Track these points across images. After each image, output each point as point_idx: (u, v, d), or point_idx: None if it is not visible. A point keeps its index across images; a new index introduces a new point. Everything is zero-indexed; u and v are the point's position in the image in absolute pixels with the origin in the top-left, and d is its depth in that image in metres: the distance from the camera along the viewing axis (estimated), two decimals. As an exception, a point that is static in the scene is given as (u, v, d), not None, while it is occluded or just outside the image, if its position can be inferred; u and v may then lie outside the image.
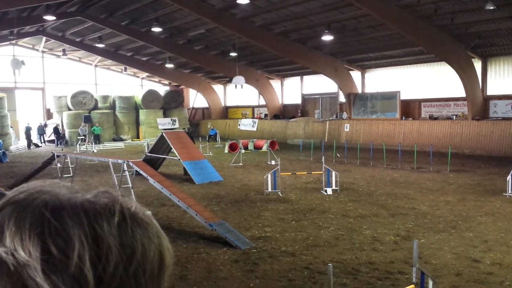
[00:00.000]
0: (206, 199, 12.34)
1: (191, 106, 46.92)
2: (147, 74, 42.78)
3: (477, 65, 24.07)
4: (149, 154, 17.19)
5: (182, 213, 10.22)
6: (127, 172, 10.63)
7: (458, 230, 8.85)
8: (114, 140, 36.72)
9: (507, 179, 12.09)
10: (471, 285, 6.10)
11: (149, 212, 0.73)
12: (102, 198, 0.63)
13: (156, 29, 25.99)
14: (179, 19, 26.78)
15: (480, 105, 24.12)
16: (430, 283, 4.67)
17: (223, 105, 43.78)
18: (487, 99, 24.29)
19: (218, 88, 43.75)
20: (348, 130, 29.76)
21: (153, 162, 16.84)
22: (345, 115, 31.11)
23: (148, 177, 9.84)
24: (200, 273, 6.74)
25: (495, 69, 24.19)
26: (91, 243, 0.58)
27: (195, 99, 45.91)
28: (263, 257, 7.40)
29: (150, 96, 40.01)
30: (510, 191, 12.00)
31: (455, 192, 12.75)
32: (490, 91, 24.30)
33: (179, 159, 15.72)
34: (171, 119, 38.92)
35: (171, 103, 41.75)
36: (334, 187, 13.06)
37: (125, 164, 10.53)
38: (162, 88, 44.67)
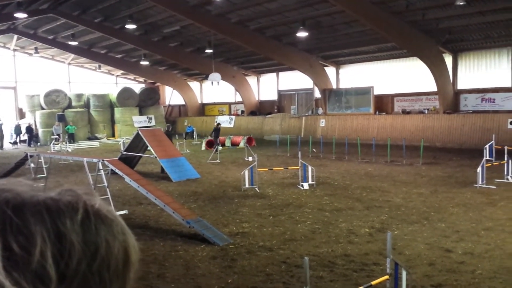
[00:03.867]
0: (183, 196, 12.31)
1: (167, 103, 46.56)
2: (122, 71, 42.18)
3: (448, 60, 24.64)
4: (125, 153, 17.01)
5: (159, 211, 10.19)
6: (102, 171, 10.51)
7: (430, 221, 9.09)
8: (89, 139, 36.15)
9: (478, 171, 12.46)
10: (444, 274, 6.29)
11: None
12: (66, 196, 0.64)
13: (130, 26, 25.66)
14: (153, 16, 26.50)
15: (451, 99, 24.71)
16: (404, 273, 4.80)
17: (199, 102, 43.61)
18: (458, 93, 24.90)
19: (194, 85, 43.53)
20: (323, 125, 30.06)
21: (129, 161, 16.67)
22: (320, 110, 31.41)
23: (124, 176, 9.76)
24: (178, 271, 6.75)
25: (465, 64, 24.79)
26: (54, 240, 0.58)
27: (171, 96, 45.59)
28: (241, 252, 7.46)
29: (125, 93, 39.49)
30: (480, 183, 12.37)
31: (427, 184, 13.07)
32: (460, 85, 24.91)
33: (155, 157, 15.61)
34: (147, 117, 38.53)
35: (146, 100, 41.32)
36: (310, 182, 13.22)
37: (100, 163, 10.41)
38: (137, 86, 44.15)
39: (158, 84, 45.10)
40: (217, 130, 23.43)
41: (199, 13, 24.19)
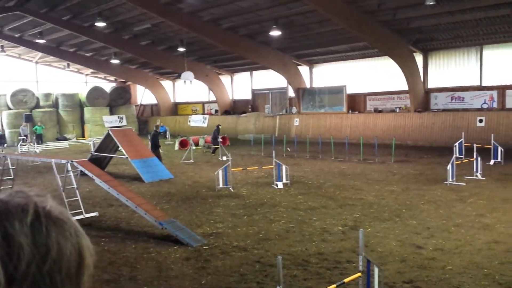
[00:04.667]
0: (156, 197, 12.12)
1: (139, 102, 45.94)
2: (91, 70, 41.39)
3: (419, 59, 25.11)
4: (95, 153, 16.67)
5: (130, 213, 9.99)
6: (71, 172, 10.24)
7: (402, 218, 9.21)
8: (58, 139, 35.31)
9: (448, 168, 12.71)
10: (415, 270, 6.36)
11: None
12: (16, 198, 0.63)
13: (100, 24, 25.13)
14: (123, 13, 26.03)
15: (421, 97, 25.19)
16: (376, 270, 4.82)
17: (172, 101, 43.19)
18: (428, 92, 25.40)
19: (166, 84, 43.09)
20: (297, 124, 30.20)
21: (99, 162, 16.35)
22: (294, 109, 31.55)
23: (94, 177, 9.53)
24: (151, 273, 6.61)
25: (435, 63, 25.31)
26: (2, 242, 0.57)
27: (143, 95, 45.00)
28: (215, 253, 7.37)
29: (95, 93, 38.79)
30: (450, 180, 12.63)
31: (399, 182, 13.26)
32: (431, 84, 25.42)
33: (127, 157, 15.34)
34: (118, 117, 37.88)
35: (117, 100, 40.68)
36: (284, 181, 13.23)
37: (69, 164, 10.13)
38: (108, 85, 43.41)
39: (129, 83, 44.45)
40: (217, 130, 22.54)
41: (171, 11, 23.90)
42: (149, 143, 17.91)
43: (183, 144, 25.27)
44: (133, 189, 12.49)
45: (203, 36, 26.00)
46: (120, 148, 15.73)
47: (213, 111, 38.61)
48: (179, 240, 7.84)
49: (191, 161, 19.54)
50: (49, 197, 0.69)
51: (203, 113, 39.21)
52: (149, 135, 19.85)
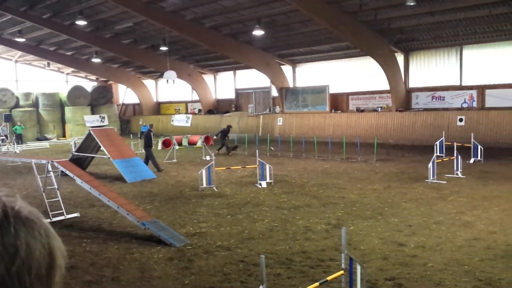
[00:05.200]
0: (138, 197, 12.02)
1: (120, 102, 45.51)
2: (72, 69, 40.85)
3: (400, 59, 25.39)
4: (76, 153, 16.45)
5: (113, 213, 9.89)
6: (52, 173, 10.07)
7: (384, 216, 9.31)
8: (38, 139, 34.74)
9: (429, 167, 12.89)
10: (397, 267, 6.43)
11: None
12: None
13: (81, 22, 24.77)
14: (105, 11, 25.76)
15: (403, 97, 25.48)
16: (358, 268, 4.86)
17: (155, 100, 42.88)
18: (410, 91, 25.72)
19: (149, 83, 42.76)
20: (281, 123, 30.28)
21: (80, 162, 16.15)
22: (278, 109, 31.61)
23: (75, 177, 9.39)
24: (133, 274, 6.55)
25: (416, 63, 25.63)
26: None
27: (125, 94, 44.59)
28: (198, 253, 7.34)
29: (76, 92, 38.30)
30: (431, 178, 12.81)
31: (381, 180, 13.40)
32: (412, 84, 25.74)
33: (108, 157, 15.17)
34: (100, 116, 37.47)
35: (99, 99, 40.23)
36: (268, 180, 13.25)
37: (49, 164, 9.97)
38: (89, 84, 42.88)
39: (111, 82, 43.99)
40: (225, 131, 21.86)
41: (153, 9, 23.72)
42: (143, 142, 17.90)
43: (166, 144, 25.02)
44: (115, 189, 12.37)
45: (186, 35, 25.88)
46: (102, 148, 15.55)
47: (196, 111, 38.45)
48: (162, 240, 7.79)
49: (174, 160, 19.43)
50: (19, 197, 0.67)
51: (186, 113, 39.04)
52: (138, 133, 19.67)
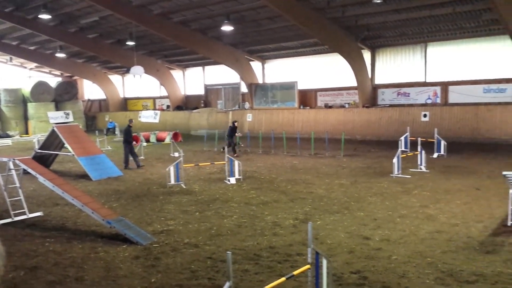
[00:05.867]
0: (104, 195, 11.79)
1: (86, 98, 44.52)
2: (35, 64, 39.65)
3: (366, 55, 25.80)
4: (40, 151, 16.00)
5: (77, 212, 9.68)
6: (13, 171, 9.75)
7: (350, 210, 9.46)
8: (0, 137, 33.57)
9: (394, 162, 13.18)
10: (362, 261, 6.55)
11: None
12: None
13: (45, 16, 24.02)
14: (69, 5, 25.08)
15: (369, 93, 25.93)
16: (324, 262, 4.91)
17: (122, 96, 42.15)
18: (376, 88, 26.18)
19: (115, 78, 41.97)
20: (250, 119, 30.30)
21: (44, 159, 15.76)
22: (247, 105, 31.62)
23: (38, 176, 9.12)
24: (98, 273, 6.43)
25: (382, 60, 26.09)
26: None
27: (91, 90, 43.64)
28: (166, 251, 7.27)
29: (40, 88, 37.22)
30: (396, 172, 13.09)
31: (348, 175, 13.61)
32: (378, 80, 26.19)
33: (73, 154, 14.80)
34: (64, 112, 36.47)
35: (63, 95, 39.21)
36: (237, 176, 13.23)
37: (11, 162, 9.64)
38: (53, 79, 41.80)
39: (76, 77, 42.98)
40: (233, 129, 19.80)
41: (119, 3, 23.27)
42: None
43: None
44: (80, 188, 12.13)
45: (153, 30, 25.50)
46: (66, 145, 15.16)
47: (164, 107, 38.02)
48: (128, 239, 7.67)
49: (142, 157, 19.13)
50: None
51: (154, 109, 38.54)
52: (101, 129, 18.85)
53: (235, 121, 20.51)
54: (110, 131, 32.74)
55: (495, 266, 6.15)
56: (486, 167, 14.19)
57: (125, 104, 41.99)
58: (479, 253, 6.71)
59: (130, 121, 17.62)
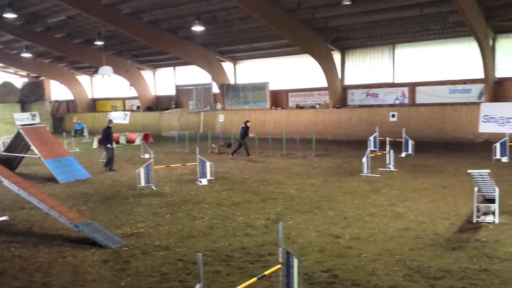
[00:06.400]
0: (72, 198, 11.52)
1: (53, 99, 43.48)
2: (0, 64, 38.50)
3: (336, 57, 26.14)
4: (5, 153, 15.55)
5: (44, 216, 9.43)
6: (-24, 174, 9.41)
7: (321, 210, 9.55)
8: (-38, 139, 32.37)
9: (363, 161, 13.39)
10: (333, 259, 6.62)
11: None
12: None
13: (10, 15, 23.32)
14: (36, 4, 24.43)
15: (339, 94, 26.27)
16: (295, 261, 4.94)
17: (90, 97, 41.37)
18: (346, 89, 26.55)
19: (84, 79, 41.17)
20: (222, 120, 30.23)
21: (9, 162, 15.29)
22: (219, 106, 31.53)
23: (2, 179, 8.83)
24: (66, 278, 6.28)
25: (352, 61, 26.48)
26: None
27: (58, 91, 42.64)
28: (136, 254, 7.16)
29: (5, 89, 36.20)
30: (366, 172, 13.30)
31: (319, 175, 13.74)
32: (348, 81, 26.56)
33: (39, 157, 14.41)
34: (31, 114, 35.54)
35: (30, 96, 38.19)
36: (209, 178, 13.17)
37: (-27, 165, 9.31)
38: (19, 80, 40.64)
39: (43, 78, 41.93)
40: (245, 129, 18.20)
41: (87, 2, 22.81)
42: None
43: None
44: (47, 191, 11.82)
45: (122, 29, 25.13)
46: (32, 147, 14.75)
47: (134, 108, 37.50)
48: (97, 243, 7.52)
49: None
50: None
51: (124, 110, 37.98)
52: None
53: (247, 121, 18.75)
54: (78, 132, 32.09)
55: (461, 262, 6.32)
56: (452, 166, 14.59)
57: (93, 105, 41.23)
58: (445, 249, 6.89)
59: (110, 121, 16.95)
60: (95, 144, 24.89)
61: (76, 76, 40.59)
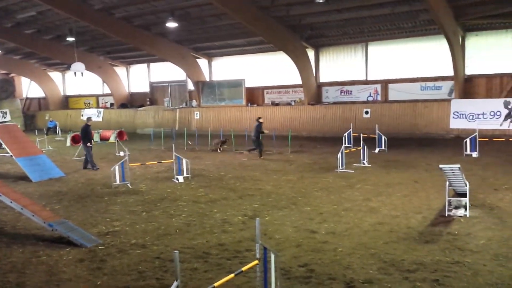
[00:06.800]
0: (45, 197, 11.32)
1: (24, 96, 42.38)
2: (-33, 61, 37.22)
3: (311, 54, 26.35)
4: (-27, 152, 15.08)
5: (16, 215, 9.23)
6: None
7: (298, 205, 9.66)
8: None
9: (338, 157, 13.57)
10: (309, 254, 6.72)
11: None
12: None
13: (-24, 10, 22.64)
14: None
15: (314, 91, 26.51)
16: (272, 256, 5.00)
17: (62, 94, 40.52)
18: (320, 86, 26.80)
19: (55, 76, 40.28)
20: (198, 117, 30.09)
21: (-22, 161, 14.85)
22: (194, 102, 31.36)
23: (-29, 178, 8.61)
24: (40, 278, 6.18)
25: (326, 58, 26.74)
26: None
27: (29, 88, 41.60)
28: (112, 252, 7.10)
29: (-27, 86, 35.04)
30: (340, 168, 13.49)
31: (295, 171, 13.87)
32: (322, 78, 26.82)
33: (11, 155, 14.07)
34: (1, 111, 34.62)
35: (0, 93, 37.09)
36: (185, 175, 13.12)
37: None
38: (-13, 77, 39.36)
39: (13, 75, 40.75)
40: (259, 126, 17.22)
41: (58, -3, 22.32)
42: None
43: (76, 140, 23.85)
44: (19, 190, 11.56)
45: (94, 25, 24.69)
46: (3, 145, 14.39)
47: (108, 105, 36.94)
48: (71, 242, 7.42)
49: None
50: None
51: (97, 107, 37.38)
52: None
53: (260, 117, 17.88)
54: (51, 130, 31.42)
55: (434, 255, 6.50)
56: (424, 161, 14.94)
57: (66, 102, 40.41)
58: (418, 242, 7.07)
59: (88, 119, 16.34)
60: (68, 142, 24.43)
61: (48, 73, 39.66)
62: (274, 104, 28.16)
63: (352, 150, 16.98)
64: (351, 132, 19.01)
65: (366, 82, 25.28)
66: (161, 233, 8.02)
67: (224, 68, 30.66)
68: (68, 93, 40.61)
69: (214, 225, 8.39)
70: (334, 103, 25.91)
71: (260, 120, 17.50)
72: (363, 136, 14.97)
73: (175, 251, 3.98)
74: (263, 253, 4.96)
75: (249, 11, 21.54)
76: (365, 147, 14.63)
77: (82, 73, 26.40)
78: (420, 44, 23.39)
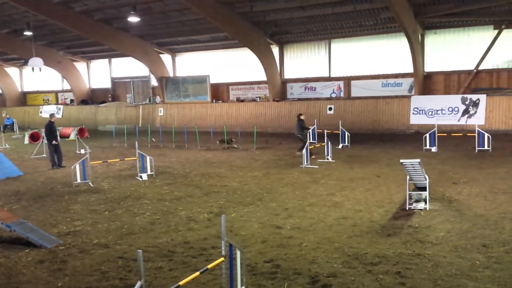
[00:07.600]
0: (2, 197, 10.89)
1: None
2: None
3: (275, 51, 26.44)
4: None
5: (-30, 217, 8.82)
6: None
7: (263, 201, 9.69)
8: None
9: (303, 153, 13.69)
10: (275, 249, 6.75)
11: None
12: None
13: None
14: (-46, -10, 22.64)
15: (279, 87, 26.64)
16: (238, 253, 4.99)
17: (20, 90, 39.08)
18: (285, 82, 26.96)
19: (12, 71, 38.83)
20: (162, 114, 29.70)
21: None
22: (158, 99, 30.92)
23: None
24: (-3, 282, 5.94)
25: (290, 55, 26.90)
26: None
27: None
28: (73, 253, 6.90)
29: None
30: (305, 163, 13.63)
31: (261, 168, 13.90)
32: (287, 75, 26.98)
33: (-36, 154, 13.47)
34: (-47, 108, 33.09)
35: (-49, 89, 35.47)
36: (149, 172, 12.92)
37: None
38: None
39: (-34, 70, 39.00)
40: (301, 122, 16.49)
41: (14, -10, 21.47)
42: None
43: (34, 138, 23.08)
44: (-27, 190, 11.08)
45: (53, 19, 23.93)
46: (-45, 144, 13.75)
47: (68, 101, 35.91)
48: (31, 243, 7.17)
49: (44, 155, 17.90)
50: None
51: (57, 103, 36.27)
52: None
53: (301, 114, 17.08)
54: (8, 127, 30.28)
55: (396, 248, 6.65)
56: (386, 156, 15.30)
57: (24, 99, 39.03)
58: (381, 236, 7.23)
59: (51, 115, 15.63)
60: (26, 140, 23.60)
61: (4, 68, 38.17)
62: (239, 100, 28.12)
63: (316, 146, 17.18)
64: (316, 128, 19.23)
65: (329, 79, 25.61)
66: (125, 232, 7.87)
67: (189, 64, 30.35)
68: (26, 89, 39.23)
69: (179, 223, 8.30)
70: (299, 99, 26.13)
71: (302, 117, 16.66)
72: (327, 132, 15.16)
73: (139, 250, 3.90)
74: (229, 250, 4.94)
75: (213, 6, 21.39)
76: (329, 143, 14.84)
77: (40, 69, 25.51)
78: (381, 42, 23.88)
